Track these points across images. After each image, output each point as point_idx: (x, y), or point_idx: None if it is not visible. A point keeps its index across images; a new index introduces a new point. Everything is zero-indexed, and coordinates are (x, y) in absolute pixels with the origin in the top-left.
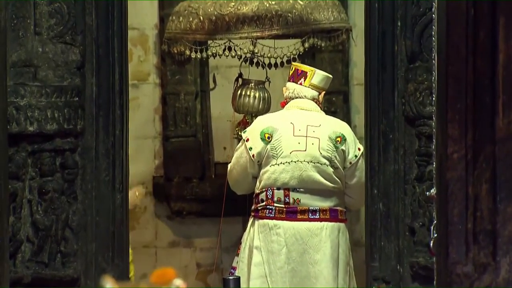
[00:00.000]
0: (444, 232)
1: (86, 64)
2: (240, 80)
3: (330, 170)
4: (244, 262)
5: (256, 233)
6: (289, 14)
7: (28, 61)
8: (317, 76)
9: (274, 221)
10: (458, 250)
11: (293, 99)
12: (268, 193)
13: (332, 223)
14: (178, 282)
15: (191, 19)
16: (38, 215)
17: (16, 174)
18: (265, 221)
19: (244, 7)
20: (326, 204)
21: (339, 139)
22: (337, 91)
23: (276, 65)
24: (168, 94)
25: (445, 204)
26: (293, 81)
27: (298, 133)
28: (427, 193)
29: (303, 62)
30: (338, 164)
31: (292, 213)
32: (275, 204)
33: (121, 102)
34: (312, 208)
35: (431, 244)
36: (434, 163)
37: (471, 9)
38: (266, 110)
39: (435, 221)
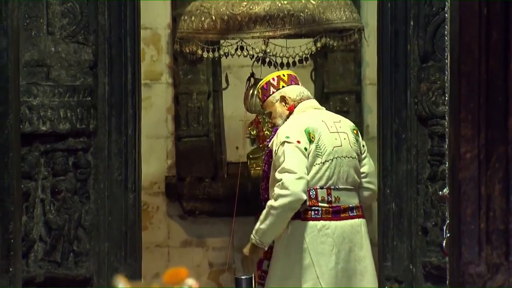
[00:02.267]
0: (457, 232)
1: (98, 63)
2: (252, 79)
3: (358, 163)
4: (283, 264)
5: (300, 235)
6: (301, 14)
7: (41, 60)
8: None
9: (322, 222)
10: (471, 250)
11: (303, 100)
12: (311, 193)
13: (364, 219)
14: (190, 281)
15: (203, 18)
16: (50, 215)
17: (29, 173)
18: (311, 222)
19: (256, 7)
20: (356, 200)
21: (355, 131)
22: (349, 91)
23: (288, 64)
24: (180, 94)
25: (458, 204)
26: (295, 84)
27: (332, 129)
28: (440, 192)
29: (315, 62)
30: (359, 157)
31: (337, 212)
32: (320, 204)
33: (133, 102)
34: (351, 205)
35: (444, 244)
36: (447, 162)
37: (484, 8)
38: None
39: (448, 221)
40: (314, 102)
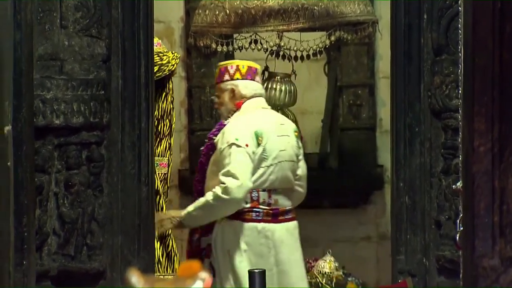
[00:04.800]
0: (470, 226)
1: (112, 57)
2: (266, 73)
3: (296, 166)
4: (222, 264)
5: (240, 236)
6: (315, 7)
7: (54, 54)
8: (260, 71)
9: (262, 224)
10: (484, 244)
11: (253, 98)
12: (253, 195)
13: (297, 222)
14: (203, 275)
15: (217, 12)
16: (64, 208)
17: (42, 167)
18: (252, 224)
19: (270, 0)
20: (291, 203)
21: (296, 133)
22: (362, 84)
23: (302, 58)
24: (193, 87)
25: (471, 198)
26: (251, 79)
27: (278, 133)
28: (453, 186)
29: (328, 55)
30: (297, 160)
31: (276, 215)
32: (261, 206)
33: (146, 95)
34: (287, 208)
35: (457, 238)
36: (460, 156)
37: (498, 1)
38: (292, 103)
39: (461, 215)
40: (262, 101)
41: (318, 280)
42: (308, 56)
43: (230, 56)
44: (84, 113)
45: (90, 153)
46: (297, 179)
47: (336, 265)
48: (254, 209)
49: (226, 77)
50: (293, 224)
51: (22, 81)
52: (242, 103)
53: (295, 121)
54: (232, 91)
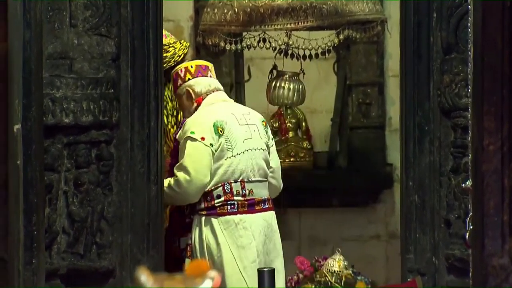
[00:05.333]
0: (480, 224)
1: (121, 56)
2: (274, 72)
3: (267, 155)
4: (208, 260)
5: (218, 230)
6: (323, 6)
7: (64, 53)
8: (213, 68)
9: (239, 216)
10: (494, 242)
11: (211, 93)
12: (225, 188)
13: (274, 212)
14: (212, 274)
15: (225, 11)
16: (73, 207)
17: (52, 165)
18: (228, 217)
19: None
20: (267, 192)
21: (264, 123)
22: (372, 83)
23: (310, 56)
24: None
25: (481, 196)
26: (202, 76)
27: (241, 122)
28: (463, 185)
29: (337, 54)
30: (268, 149)
31: (252, 205)
32: (235, 198)
33: (156, 94)
34: (263, 197)
35: (467, 236)
36: (470, 155)
37: (507, 0)
38: (300, 101)
39: (471, 213)
40: (222, 94)
41: (327, 279)
42: (316, 55)
43: (239, 54)
44: (94, 112)
45: (100, 151)
46: (271, 171)
47: (345, 264)
48: (229, 202)
49: (179, 81)
50: (270, 214)
51: (31, 80)
52: (202, 99)
53: (304, 120)
54: (188, 92)
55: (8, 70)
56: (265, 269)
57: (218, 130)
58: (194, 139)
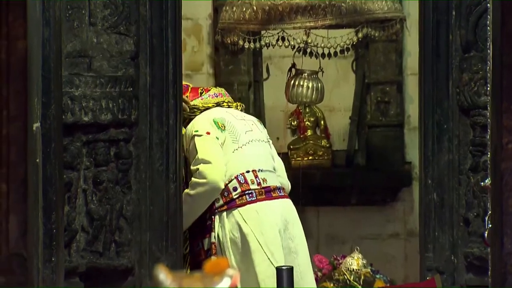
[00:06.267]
0: (499, 223)
1: (140, 54)
2: (293, 70)
3: (270, 148)
4: (233, 256)
5: (240, 221)
6: (342, 4)
7: (83, 51)
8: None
9: (259, 203)
10: None
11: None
12: (240, 179)
13: (290, 199)
14: (231, 272)
15: (244, 9)
16: (92, 205)
17: (71, 164)
18: (248, 206)
19: None
20: (278, 182)
21: (260, 122)
22: (390, 81)
23: (329, 55)
24: (221, 84)
25: (500, 195)
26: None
27: (238, 117)
28: (482, 183)
29: (356, 52)
30: (269, 144)
31: (268, 192)
32: (251, 187)
33: (174, 92)
34: (277, 185)
35: (486, 235)
36: (489, 153)
37: None
38: (319, 100)
39: (490, 212)
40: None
41: (346, 277)
42: (335, 53)
43: (258, 53)
44: (113, 110)
45: (119, 150)
46: (276, 171)
47: (364, 262)
48: (246, 192)
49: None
50: (289, 200)
51: (50, 78)
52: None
53: (323, 118)
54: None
55: (28, 68)
56: (283, 267)
57: (220, 125)
58: (200, 135)
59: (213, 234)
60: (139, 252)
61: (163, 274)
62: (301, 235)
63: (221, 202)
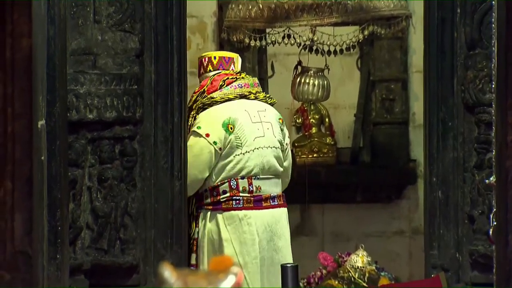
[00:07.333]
0: (503, 220)
1: (145, 52)
2: (299, 67)
3: (281, 153)
4: (207, 256)
5: (221, 226)
6: (348, 2)
7: (88, 49)
8: (239, 60)
9: (244, 212)
10: None
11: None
12: (231, 184)
13: (285, 208)
14: (235, 269)
15: (250, 7)
16: (97, 202)
17: (75, 161)
18: (233, 212)
19: None
20: (278, 189)
21: (281, 120)
22: (395, 79)
23: (335, 52)
24: None
25: (505, 192)
26: (223, 69)
27: (254, 119)
28: (487, 181)
29: (361, 50)
30: (282, 147)
31: (258, 201)
32: (241, 194)
33: (179, 90)
34: (272, 194)
35: (491, 232)
36: (494, 150)
37: None
38: (325, 97)
39: (495, 209)
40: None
41: (350, 275)
42: (341, 51)
43: (263, 50)
44: (117, 108)
45: (123, 147)
46: (283, 170)
47: (369, 259)
48: (234, 198)
49: (201, 70)
50: (281, 210)
51: (55, 76)
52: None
53: (327, 116)
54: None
55: (32, 66)
56: (288, 265)
57: (228, 128)
58: (198, 134)
59: (196, 229)
60: (143, 250)
61: (168, 272)
62: (287, 248)
63: (208, 200)
